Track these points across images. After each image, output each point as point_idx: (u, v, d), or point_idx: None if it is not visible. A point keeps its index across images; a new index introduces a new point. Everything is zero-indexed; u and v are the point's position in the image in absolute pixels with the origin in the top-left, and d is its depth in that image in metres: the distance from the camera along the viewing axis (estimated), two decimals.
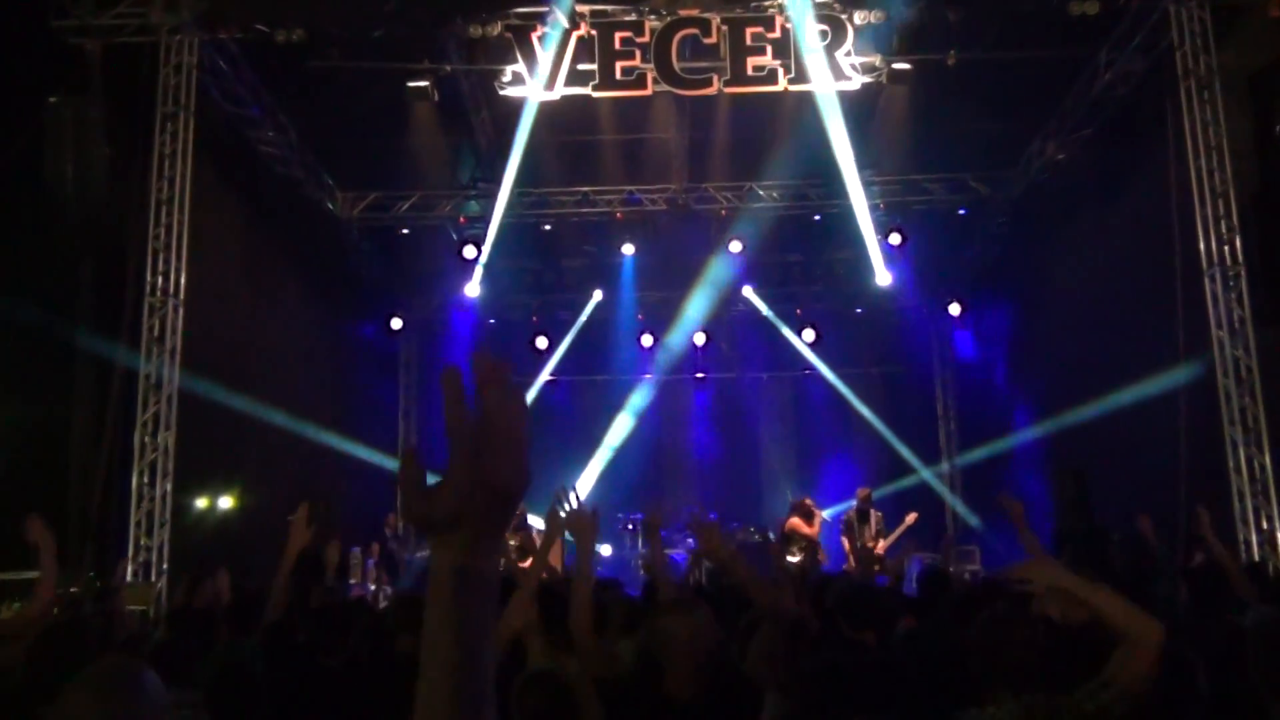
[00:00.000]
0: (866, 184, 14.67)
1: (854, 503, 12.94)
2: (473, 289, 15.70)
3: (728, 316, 18.12)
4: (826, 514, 12.67)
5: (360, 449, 14.67)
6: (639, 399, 17.94)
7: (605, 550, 16.31)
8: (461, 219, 15.30)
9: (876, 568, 12.30)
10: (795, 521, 12.18)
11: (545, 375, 17.95)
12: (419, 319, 18.36)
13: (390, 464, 16.61)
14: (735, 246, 15.41)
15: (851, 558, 12.36)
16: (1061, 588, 2.99)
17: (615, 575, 12.18)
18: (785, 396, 18.41)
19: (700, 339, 17.54)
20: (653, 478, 17.39)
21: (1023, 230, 14.88)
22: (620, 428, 17.74)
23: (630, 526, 16.10)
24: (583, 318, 17.73)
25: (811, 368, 17.97)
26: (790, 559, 11.82)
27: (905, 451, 17.59)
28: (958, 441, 18.04)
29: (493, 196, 14.81)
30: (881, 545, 12.51)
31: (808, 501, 12.39)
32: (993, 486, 15.71)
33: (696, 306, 17.79)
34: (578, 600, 3.56)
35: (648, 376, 18.18)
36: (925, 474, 17.08)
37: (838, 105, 11.75)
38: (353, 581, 13.03)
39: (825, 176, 13.90)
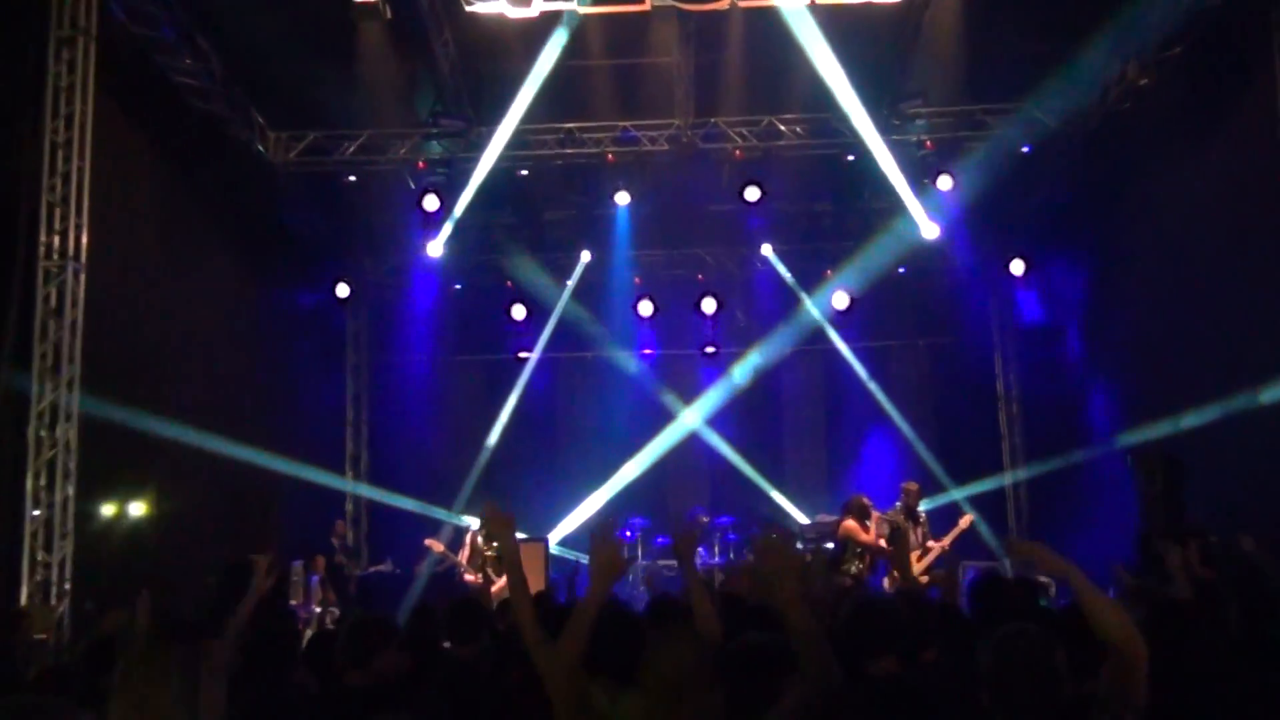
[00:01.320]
0: (910, 117, 14.66)
1: (896, 504, 12.96)
2: (435, 248, 15.71)
3: (743, 279, 18.17)
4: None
5: (299, 467, 14.67)
6: (636, 379, 18.04)
7: None
8: (420, 163, 15.28)
9: (924, 579, 12.38)
10: (851, 525, 12.10)
11: (530, 355, 18.04)
12: (370, 285, 18.38)
13: (334, 481, 16.67)
14: (752, 194, 15.39)
15: (895, 571, 12.41)
16: (1055, 571, 3.39)
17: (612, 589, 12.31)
18: (812, 374, 18.47)
19: (710, 306, 17.56)
20: (654, 473, 17.49)
21: (1100, 171, 14.82)
22: (613, 413, 17.82)
23: (629, 534, 16.22)
24: (569, 283, 17.72)
25: (844, 340, 18.00)
26: (844, 572, 11.95)
27: (957, 442, 17.71)
28: (1021, 425, 18.10)
29: (460, 135, 14.78)
30: (931, 552, 12.56)
31: (865, 500, 12.36)
32: (1063, 484, 15.81)
33: (705, 267, 17.79)
34: (571, 633, 3.61)
35: (647, 352, 18.23)
36: (985, 484, 17.10)
37: (874, 25, 11.68)
38: (294, 602, 13.09)
39: (860, 110, 13.89)
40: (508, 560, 4.10)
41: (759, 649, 3.67)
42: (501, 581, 12.24)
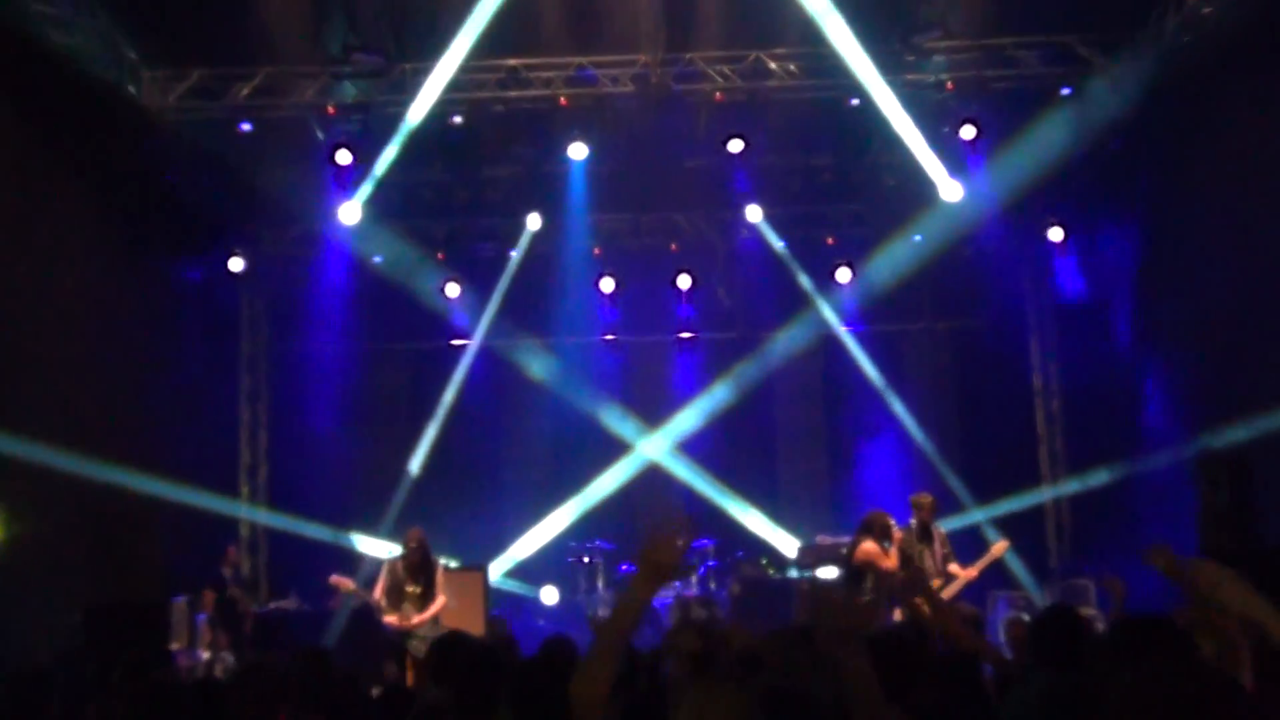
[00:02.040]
0: (926, 53, 14.62)
1: (911, 523, 12.91)
2: (350, 213, 15.62)
3: (725, 249, 18.18)
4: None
5: (179, 486, 14.52)
6: (598, 371, 18.08)
7: (550, 595, 16.42)
8: (331, 109, 15.15)
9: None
10: (870, 549, 12.18)
11: (468, 343, 18.00)
12: (270, 258, 18.30)
13: (225, 501, 16.49)
14: (735, 146, 15.35)
15: (916, 603, 12.38)
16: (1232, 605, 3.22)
17: (562, 628, 12.26)
18: (809, 366, 18.49)
19: (685, 283, 17.56)
20: (622, 487, 17.59)
21: (1155, 117, 14.81)
22: (570, 413, 17.79)
23: (587, 560, 16.23)
24: (514, 255, 17.64)
25: (847, 323, 18.05)
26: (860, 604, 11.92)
27: (985, 448, 17.77)
28: (1063, 427, 18.15)
29: (379, 75, 14.63)
30: (955, 581, 12.56)
31: (887, 517, 12.39)
32: (1115, 500, 15.86)
33: (679, 235, 17.69)
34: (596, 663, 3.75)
35: (610, 338, 18.23)
36: (1018, 500, 17.13)
37: None
38: (175, 646, 12.95)
39: (865, 44, 13.85)
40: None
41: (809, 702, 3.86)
42: (422, 618, 12.07)
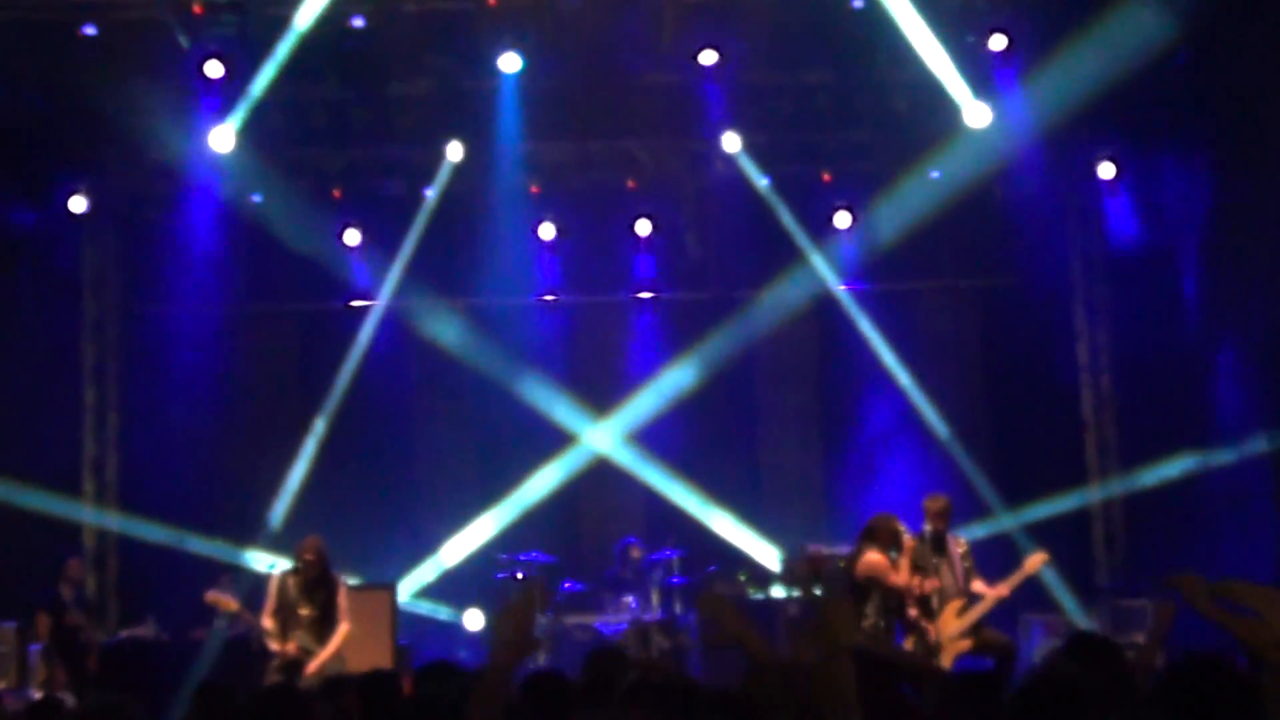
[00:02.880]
0: None
1: (925, 530, 12.91)
2: (222, 140, 15.56)
3: (695, 187, 18.15)
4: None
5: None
6: (535, 340, 18.01)
7: (474, 619, 16.43)
8: (197, 7, 15.04)
9: (964, 644, 12.41)
10: (875, 561, 12.22)
11: (371, 304, 17.91)
12: (121, 196, 18.14)
13: (63, 504, 16.33)
14: (708, 58, 15.31)
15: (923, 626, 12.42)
16: None
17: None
18: (799, 335, 18.53)
19: (644, 228, 17.52)
20: (564, 489, 17.58)
21: (1232, 23, 14.83)
22: (500, 395, 17.73)
23: (520, 577, 16.33)
24: (430, 193, 17.54)
25: (848, 281, 18.03)
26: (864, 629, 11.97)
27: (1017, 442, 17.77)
28: (1115, 411, 18.19)
29: None
30: (983, 601, 12.60)
31: (895, 523, 12.42)
32: (1180, 502, 15.88)
33: (638, 169, 17.55)
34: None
35: (550, 299, 18.20)
36: (1056, 503, 17.17)
37: None
38: (1, 685, 12.86)
39: None
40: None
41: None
42: (325, 654, 12.04)
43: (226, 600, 12.96)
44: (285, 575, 12.52)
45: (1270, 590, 4.48)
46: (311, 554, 12.23)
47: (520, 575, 16.26)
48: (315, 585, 12.24)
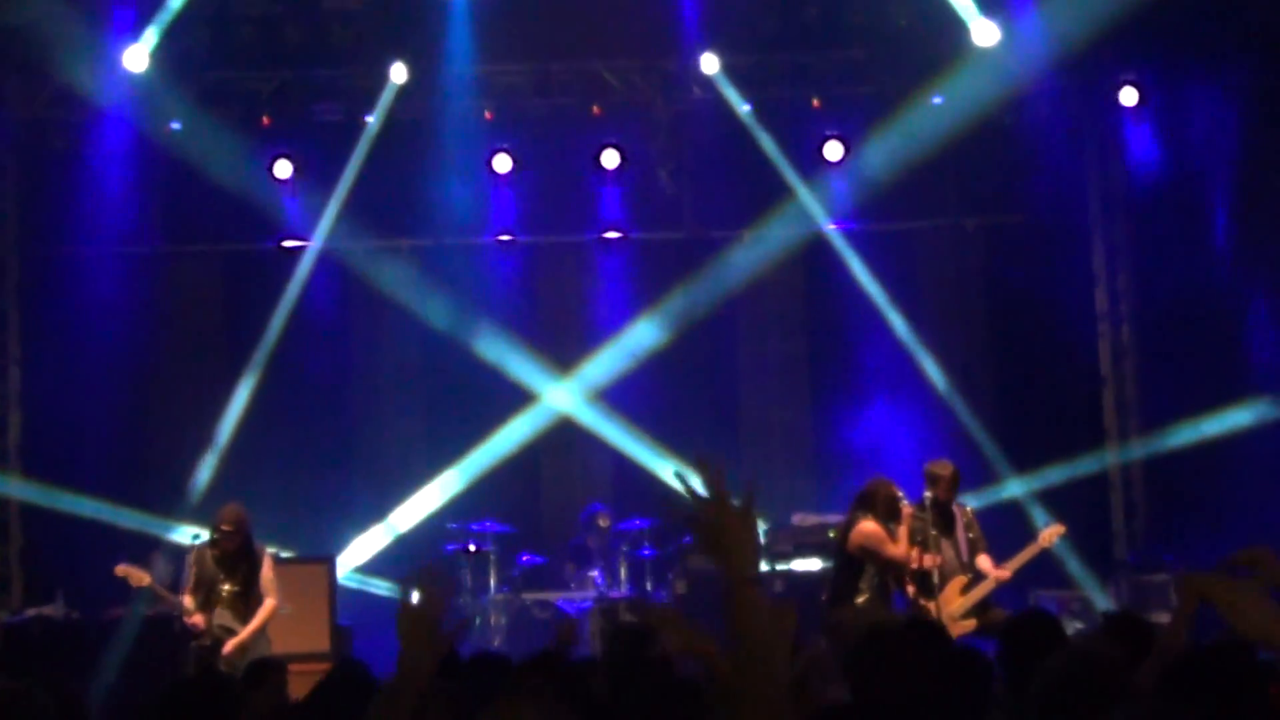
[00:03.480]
0: None
1: (926, 497, 12.95)
2: (134, 60, 15.55)
3: (669, 114, 18.15)
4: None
5: None
6: (489, 286, 18.09)
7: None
8: None
9: (966, 625, 12.60)
10: (871, 530, 12.35)
11: (305, 245, 17.98)
12: (18, 125, 17.98)
13: None
14: None
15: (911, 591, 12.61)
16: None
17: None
18: (786, 281, 18.63)
19: (611, 160, 17.60)
20: (521, 451, 17.71)
21: None
22: (449, 348, 17.81)
23: (473, 549, 16.44)
24: (371, 120, 17.57)
25: (840, 219, 18.11)
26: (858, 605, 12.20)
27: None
28: (1137, 364, 18.29)
29: None
30: (986, 580, 12.83)
31: (893, 489, 12.57)
32: (1208, 466, 16.03)
33: (605, 93, 17.60)
34: None
35: (506, 238, 18.27)
36: (1071, 467, 17.30)
37: None
38: None
39: None
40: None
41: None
42: (246, 633, 12.25)
43: (137, 574, 12.96)
44: (203, 548, 12.65)
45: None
46: (230, 524, 12.32)
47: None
48: (236, 558, 12.39)
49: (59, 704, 6.82)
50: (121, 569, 12.94)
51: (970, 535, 13.05)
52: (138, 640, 13.97)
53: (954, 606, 12.55)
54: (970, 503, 13.83)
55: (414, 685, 4.14)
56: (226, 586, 12.41)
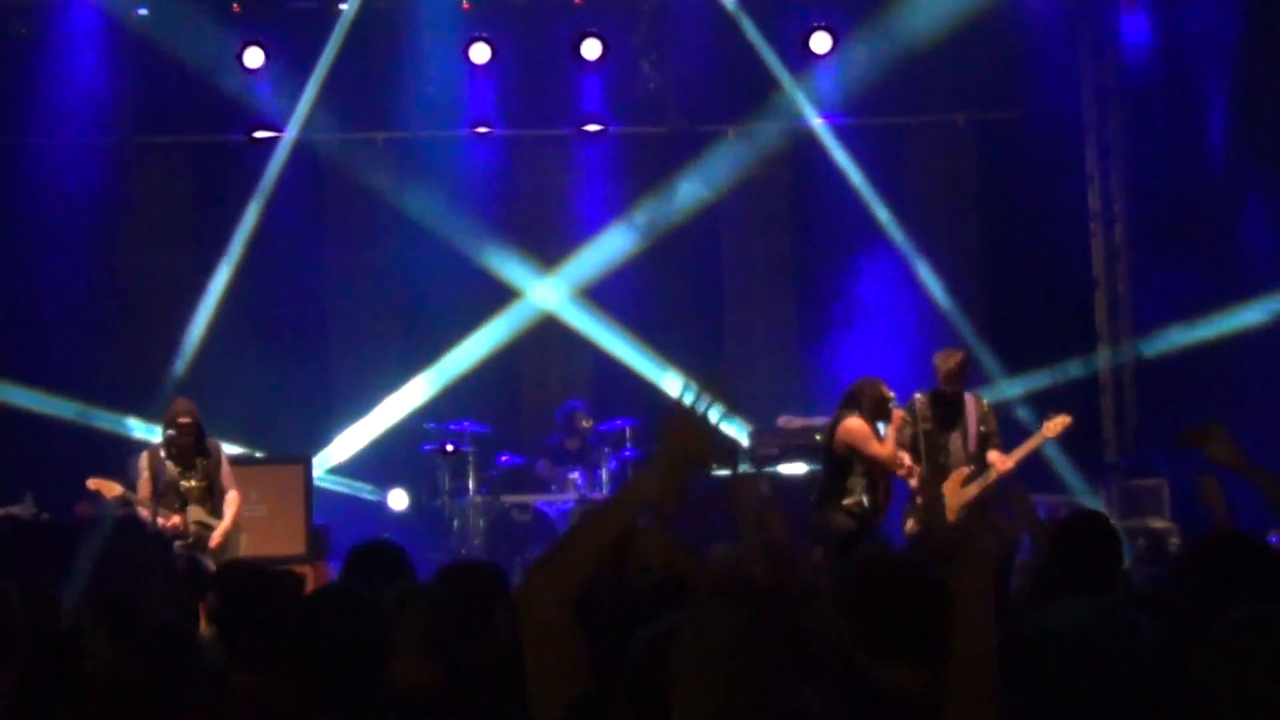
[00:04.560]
0: None
1: (915, 397, 13.04)
2: None
3: (654, 3, 18.04)
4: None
5: None
6: (466, 180, 17.99)
7: (399, 499, 16.52)
8: None
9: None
10: (856, 427, 12.36)
11: (277, 136, 17.82)
12: None
13: None
14: None
15: (917, 496, 12.53)
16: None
17: (415, 543, 12.33)
18: (772, 178, 18.52)
19: (592, 50, 17.46)
20: (500, 350, 17.64)
21: None
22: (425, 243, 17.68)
23: (451, 449, 16.43)
24: (344, 6, 17.41)
25: (827, 114, 18.02)
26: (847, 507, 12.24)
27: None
28: (1129, 264, 18.29)
29: None
30: (988, 472, 12.76)
31: (882, 388, 12.54)
32: (1203, 369, 16.01)
33: None
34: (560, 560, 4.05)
35: (484, 130, 18.15)
36: (1061, 369, 17.24)
37: None
38: None
39: None
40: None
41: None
42: (225, 524, 12.24)
43: (109, 485, 13.02)
44: (154, 449, 12.68)
45: None
46: (186, 417, 12.41)
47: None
48: (193, 453, 12.49)
49: (32, 606, 6.73)
50: (93, 482, 13.03)
51: (982, 428, 13.02)
52: (109, 540, 13.84)
53: (953, 501, 12.53)
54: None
55: (649, 488, 4.02)
56: (189, 484, 12.53)
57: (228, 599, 6.08)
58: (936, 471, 12.56)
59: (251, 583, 6.10)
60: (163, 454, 12.50)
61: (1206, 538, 6.09)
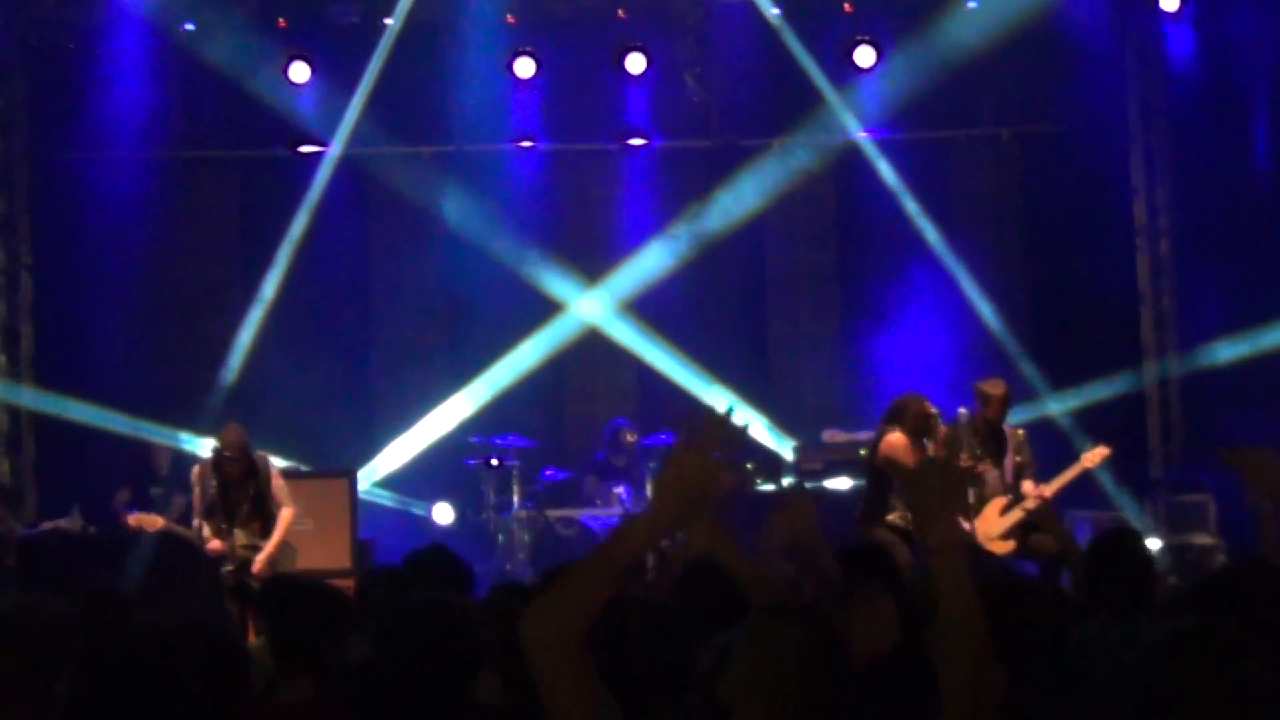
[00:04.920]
0: None
1: (961, 414, 12.98)
2: None
3: (696, 18, 18.03)
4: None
5: None
6: (511, 194, 17.97)
7: (443, 513, 16.52)
8: None
9: (1007, 545, 12.55)
10: (897, 440, 12.34)
11: (323, 150, 17.84)
12: (28, 24, 17.85)
13: None
14: None
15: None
16: None
17: (464, 553, 12.30)
18: (816, 192, 18.49)
19: (636, 64, 17.43)
20: (545, 366, 17.65)
21: None
22: (470, 256, 17.71)
23: (496, 463, 16.45)
24: (391, 22, 17.41)
25: (871, 128, 17.95)
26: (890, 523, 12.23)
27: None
28: (1174, 279, 18.19)
29: None
30: (1027, 500, 12.72)
31: (926, 404, 12.50)
32: (1249, 385, 15.92)
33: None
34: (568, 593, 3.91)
35: (527, 144, 18.17)
36: (1107, 386, 17.22)
37: None
38: None
39: None
40: None
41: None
42: (271, 546, 12.24)
43: (150, 520, 13.12)
44: (207, 464, 12.70)
45: None
46: (232, 450, 12.39)
47: (495, 461, 16.39)
48: (242, 477, 12.47)
49: (94, 604, 6.74)
50: (135, 519, 13.27)
51: (1019, 459, 13.01)
52: (156, 554, 13.92)
53: (993, 528, 12.56)
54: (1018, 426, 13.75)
55: (654, 529, 3.88)
56: (238, 505, 12.48)
57: (275, 611, 6.10)
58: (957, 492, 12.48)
59: (299, 595, 6.11)
60: (210, 473, 12.53)
61: (1236, 564, 6.10)
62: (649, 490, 15.28)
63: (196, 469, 12.79)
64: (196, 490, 12.64)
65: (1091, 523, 15.39)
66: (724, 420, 3.89)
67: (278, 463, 13.42)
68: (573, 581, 3.81)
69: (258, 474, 12.59)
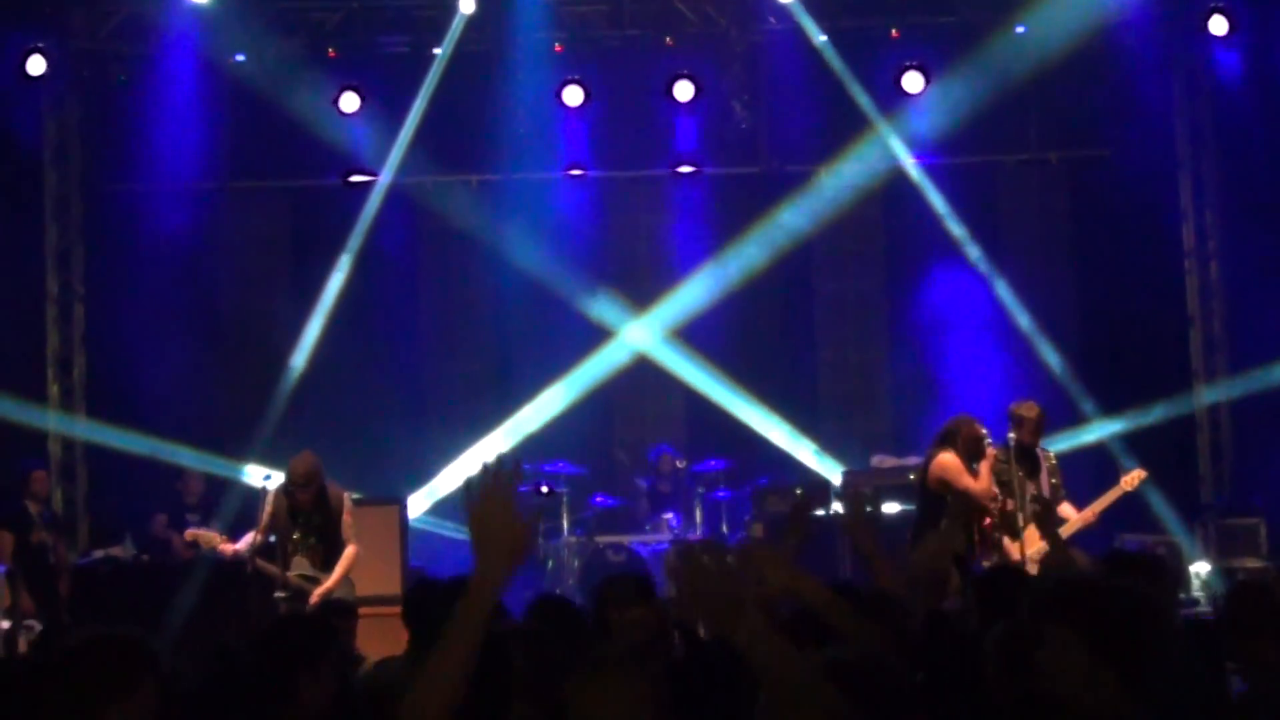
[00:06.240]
0: None
1: (1010, 439, 12.75)
2: None
3: (744, 46, 17.99)
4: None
5: None
6: (560, 221, 17.96)
7: None
8: None
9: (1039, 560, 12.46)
10: (949, 462, 12.20)
11: (373, 180, 17.85)
12: (83, 56, 17.97)
13: (26, 409, 16.36)
14: None
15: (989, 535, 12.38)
16: None
17: (518, 580, 12.23)
18: (864, 217, 18.43)
19: (685, 92, 17.35)
20: (593, 392, 17.61)
21: None
22: (519, 285, 17.66)
23: (545, 490, 16.40)
24: (439, 52, 17.45)
25: (920, 153, 17.90)
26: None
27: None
28: (1224, 304, 18.08)
29: None
30: (1069, 523, 12.55)
31: (977, 426, 12.33)
32: None
33: (677, 24, 17.35)
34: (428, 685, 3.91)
35: (578, 172, 18.13)
36: (1157, 410, 17.08)
37: None
38: None
39: None
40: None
41: None
42: (331, 581, 12.13)
43: (206, 536, 13.07)
44: (279, 492, 12.56)
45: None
46: (302, 479, 12.15)
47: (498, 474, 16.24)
48: (312, 509, 12.27)
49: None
50: (191, 533, 13.25)
51: (1053, 481, 12.86)
52: (207, 583, 13.88)
53: (1035, 549, 12.33)
54: (1054, 444, 13.70)
55: (490, 593, 3.87)
56: (301, 535, 12.27)
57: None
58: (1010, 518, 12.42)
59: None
60: (284, 501, 12.43)
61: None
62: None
63: (271, 495, 12.68)
64: (266, 511, 12.52)
65: (1140, 545, 15.27)
66: (496, 467, 3.93)
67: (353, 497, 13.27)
68: (433, 669, 3.80)
69: (328, 505, 12.38)
